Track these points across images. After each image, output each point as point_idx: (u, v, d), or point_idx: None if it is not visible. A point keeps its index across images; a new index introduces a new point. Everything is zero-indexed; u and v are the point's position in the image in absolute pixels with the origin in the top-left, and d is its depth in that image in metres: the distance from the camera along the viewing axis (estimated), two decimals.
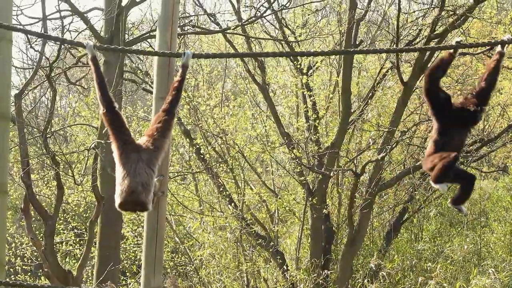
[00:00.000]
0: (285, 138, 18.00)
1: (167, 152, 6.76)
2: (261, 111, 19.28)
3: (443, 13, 17.05)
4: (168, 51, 6.86)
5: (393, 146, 18.36)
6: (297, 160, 17.74)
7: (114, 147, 6.22)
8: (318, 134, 18.19)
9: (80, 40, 7.91)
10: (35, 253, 18.16)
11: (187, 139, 18.51)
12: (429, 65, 16.92)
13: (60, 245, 19.59)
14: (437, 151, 6.77)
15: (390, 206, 20.48)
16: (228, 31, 16.41)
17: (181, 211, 20.01)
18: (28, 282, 14.83)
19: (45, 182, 19.89)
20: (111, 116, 6.28)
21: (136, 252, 19.16)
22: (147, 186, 6.21)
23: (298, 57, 18.04)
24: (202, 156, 18.18)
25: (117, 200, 6.15)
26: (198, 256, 18.70)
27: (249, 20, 16.23)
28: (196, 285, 18.62)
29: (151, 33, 15.75)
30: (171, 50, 7.02)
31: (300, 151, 17.94)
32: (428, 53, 17.08)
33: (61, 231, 20.05)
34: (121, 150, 6.17)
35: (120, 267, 17.19)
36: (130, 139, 6.32)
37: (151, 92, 12.00)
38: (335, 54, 19.40)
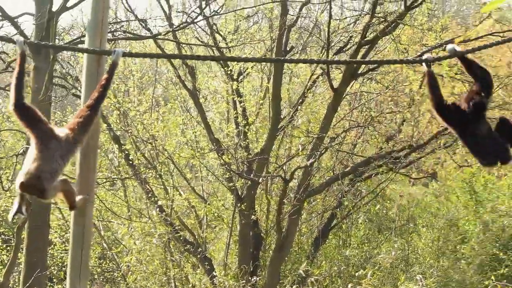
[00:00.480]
0: (214, 144, 18.46)
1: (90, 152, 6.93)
2: (191, 117, 19.70)
3: (374, 20, 17.66)
4: (98, 49, 6.99)
5: (322, 152, 18.92)
6: (226, 166, 18.21)
7: (31, 137, 6.35)
8: (247, 140, 18.69)
9: (10, 47, 8.25)
10: None
11: (117, 145, 18.83)
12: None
13: None
14: (473, 152, 7.19)
15: (319, 212, 20.98)
16: (159, 37, 16.83)
17: (109, 217, 20.29)
18: None
19: None
20: (21, 111, 6.39)
21: (64, 258, 19.30)
22: (54, 176, 6.31)
23: (229, 63, 18.54)
24: (131, 162, 18.55)
25: (20, 178, 6.21)
26: (126, 262, 19.13)
27: (180, 26, 16.67)
28: None
29: (82, 39, 16.10)
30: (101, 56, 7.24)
31: (229, 157, 18.42)
32: (358, 59, 17.44)
33: None
34: (39, 139, 6.29)
35: (47, 273, 17.31)
36: (49, 128, 6.41)
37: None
38: (262, 61, 20.09)
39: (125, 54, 6.99)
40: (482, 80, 6.99)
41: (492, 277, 17.08)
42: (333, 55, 18.86)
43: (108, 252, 19.79)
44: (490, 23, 19.37)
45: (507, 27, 17.93)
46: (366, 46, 17.90)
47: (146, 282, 19.02)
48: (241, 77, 19.26)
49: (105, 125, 18.02)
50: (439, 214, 21.52)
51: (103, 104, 6.89)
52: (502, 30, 17.56)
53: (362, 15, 19.27)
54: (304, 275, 17.98)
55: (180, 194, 19.95)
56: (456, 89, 21.88)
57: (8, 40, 7.57)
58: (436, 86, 7.09)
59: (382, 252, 20.31)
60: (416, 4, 17.62)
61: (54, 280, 20.20)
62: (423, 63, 6.85)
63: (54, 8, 14.55)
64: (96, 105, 6.65)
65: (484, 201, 21.05)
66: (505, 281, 17.51)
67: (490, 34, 18.90)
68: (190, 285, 18.96)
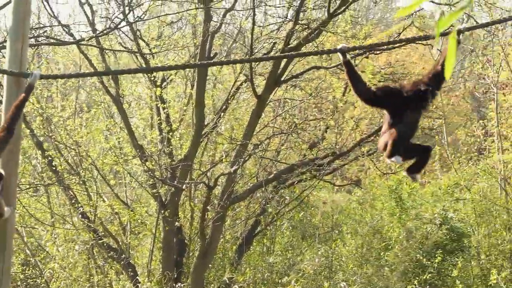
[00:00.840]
0: (138, 150, 18.88)
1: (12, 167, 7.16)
2: (115, 123, 20.06)
3: (297, 27, 18.44)
4: (16, 71, 7.12)
5: (246, 159, 19.61)
6: (149, 172, 18.65)
7: None
8: (171, 147, 19.17)
9: None
10: None
11: (39, 151, 19.05)
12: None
13: None
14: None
15: (243, 219, 21.56)
16: (82, 42, 17.06)
17: (33, 223, 20.47)
18: None
19: None
20: None
21: None
22: None
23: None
24: (54, 168, 18.80)
25: None
26: (49, 269, 19.37)
27: (104, 32, 16.94)
28: None
29: (4, 43, 16.37)
30: (23, 61, 7.29)
31: (153, 163, 18.85)
32: (282, 66, 18.45)
33: None
34: None
35: None
36: None
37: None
38: (186, 67, 20.64)
39: (42, 77, 7.28)
40: (442, 72, 7.19)
41: (415, 283, 17.94)
42: (256, 62, 19.61)
43: (32, 258, 19.96)
44: (414, 31, 20.45)
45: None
46: (290, 53, 18.52)
47: None
48: (165, 83, 19.70)
49: (28, 130, 18.23)
50: (363, 221, 21.96)
51: (24, 111, 7.24)
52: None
53: (286, 22, 19.99)
54: (228, 282, 18.50)
55: (103, 201, 20.27)
56: None
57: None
58: (356, 76, 7.29)
59: (305, 259, 20.83)
60: (339, 11, 18.26)
61: None
62: (339, 53, 6.97)
63: None
64: (10, 126, 6.92)
65: (409, 208, 21.66)
66: (428, 287, 18.64)
67: (412, 41, 20.02)
68: None
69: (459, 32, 6.96)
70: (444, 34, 5.68)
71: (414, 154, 7.58)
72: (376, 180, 23.67)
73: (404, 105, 6.99)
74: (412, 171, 7.67)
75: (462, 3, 3.38)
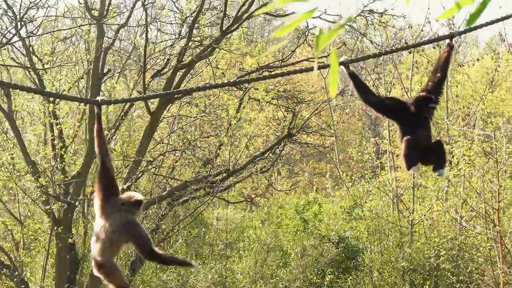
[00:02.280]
0: (30, 166, 20.13)
1: None
2: (7, 138, 21.25)
3: (190, 43, 20.56)
4: None
5: (139, 176, 21.25)
6: (42, 188, 19.99)
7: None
8: (64, 163, 20.50)
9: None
10: None
11: None
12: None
13: None
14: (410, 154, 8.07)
15: None
16: None
17: None
18: None
19: None
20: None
21: None
22: None
23: (45, 85, 20.31)
24: None
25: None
26: None
27: None
28: None
29: None
30: None
31: (46, 179, 20.23)
32: (174, 84, 20.41)
33: None
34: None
35: None
36: None
37: None
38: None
39: None
40: (440, 80, 8.11)
41: None
42: (150, 78, 21.56)
43: None
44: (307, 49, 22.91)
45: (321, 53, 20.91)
46: (183, 70, 20.67)
47: None
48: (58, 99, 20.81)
49: None
50: (260, 239, 23.48)
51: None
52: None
53: (179, 38, 21.89)
54: None
55: None
56: (275, 113, 25.13)
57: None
58: (363, 87, 8.03)
59: (199, 276, 22.25)
60: (232, 29, 20.73)
61: None
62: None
63: None
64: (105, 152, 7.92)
65: (312, 227, 23.54)
66: None
67: (306, 60, 22.46)
68: None
69: (342, 63, 7.68)
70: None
71: (431, 155, 8.34)
72: (279, 198, 25.90)
73: (411, 117, 7.91)
74: (437, 168, 8.38)
75: (341, 21, 3.76)
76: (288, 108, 24.22)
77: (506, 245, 18.27)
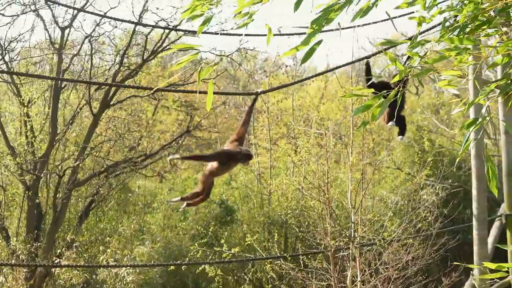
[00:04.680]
0: (10, 150, 21.34)
1: None
2: None
3: (122, 68, 22.07)
4: None
5: (85, 157, 22.44)
6: (18, 165, 21.15)
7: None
8: (33, 148, 21.57)
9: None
10: None
11: None
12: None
13: None
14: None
15: (83, 197, 23.66)
16: None
17: None
18: None
19: None
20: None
21: None
22: None
23: (22, 94, 21.70)
24: None
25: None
26: None
27: None
28: None
29: None
30: None
31: (21, 159, 21.25)
32: (110, 95, 22.07)
33: None
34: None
35: None
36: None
37: None
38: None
39: None
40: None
41: (196, 244, 20.61)
42: (94, 91, 22.81)
43: None
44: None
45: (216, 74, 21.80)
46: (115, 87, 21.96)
47: None
48: (30, 104, 22.00)
49: None
50: (164, 200, 24.28)
51: None
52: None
53: (114, 64, 22.95)
54: (70, 241, 20.54)
55: None
56: (180, 116, 26.65)
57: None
58: (369, 75, 8.05)
59: (125, 226, 23.32)
60: (150, 58, 22.39)
61: None
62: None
63: None
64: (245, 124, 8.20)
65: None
66: (205, 247, 20.83)
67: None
68: None
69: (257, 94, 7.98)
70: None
71: (400, 122, 8.63)
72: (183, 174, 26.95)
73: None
74: (400, 135, 8.83)
75: (217, 59, 4.44)
76: (187, 113, 25.56)
77: (332, 207, 18.18)
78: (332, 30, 5.72)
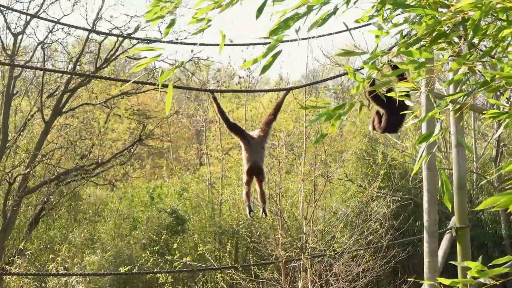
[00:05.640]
0: None
1: None
2: None
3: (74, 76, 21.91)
4: None
5: (36, 164, 22.34)
6: None
7: (241, 142, 8.39)
8: None
9: None
10: None
11: None
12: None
13: None
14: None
15: (33, 205, 23.36)
16: None
17: None
18: None
19: None
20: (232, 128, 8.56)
21: None
22: (263, 160, 8.39)
23: None
24: None
25: (245, 167, 8.34)
26: None
27: None
28: None
29: None
30: None
31: None
32: (63, 103, 21.92)
33: None
34: (246, 141, 8.32)
35: None
36: (248, 133, 8.42)
37: None
38: None
39: None
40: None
41: (148, 252, 20.86)
42: (46, 98, 22.66)
43: None
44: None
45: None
46: (69, 93, 22.16)
47: None
48: None
49: None
50: (117, 209, 24.44)
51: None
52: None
53: (67, 71, 22.75)
54: (21, 249, 20.48)
55: None
56: (132, 124, 26.64)
57: None
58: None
59: (74, 234, 23.10)
60: (103, 66, 22.35)
61: None
62: None
63: None
64: (275, 113, 8.51)
65: (154, 203, 24.76)
66: (157, 254, 21.10)
67: (153, 89, 23.93)
68: None
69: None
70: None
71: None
72: (134, 182, 27.16)
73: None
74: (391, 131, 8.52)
75: (177, 64, 4.46)
76: (139, 121, 25.55)
77: (284, 218, 18.23)
78: (288, 41, 5.65)
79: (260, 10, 4.51)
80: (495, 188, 23.07)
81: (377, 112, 7.97)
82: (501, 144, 23.63)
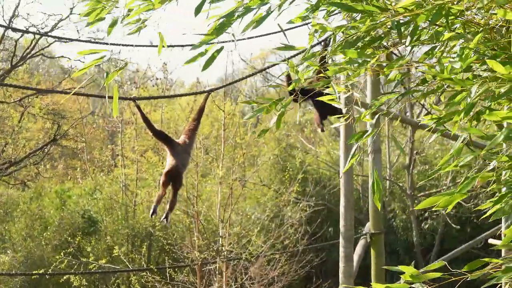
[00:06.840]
0: None
1: None
2: None
3: None
4: None
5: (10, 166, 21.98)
6: None
7: (166, 148, 8.41)
8: None
9: None
10: None
11: None
12: None
13: None
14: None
15: None
16: None
17: None
18: None
19: None
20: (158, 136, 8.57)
21: None
22: (185, 165, 8.51)
23: None
24: None
25: (165, 170, 8.24)
26: None
27: None
28: None
29: None
30: None
31: None
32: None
33: None
34: (171, 147, 8.28)
35: None
36: (173, 140, 8.37)
37: None
38: None
39: None
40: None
41: (62, 253, 20.23)
42: None
43: None
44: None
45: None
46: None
47: None
48: None
49: None
50: (29, 209, 23.74)
51: None
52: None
53: None
54: None
55: None
56: (47, 124, 25.94)
57: None
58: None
59: None
60: (19, 64, 22.13)
61: None
62: None
63: None
64: (198, 118, 8.58)
65: (65, 204, 24.21)
66: (71, 256, 20.48)
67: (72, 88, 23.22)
68: None
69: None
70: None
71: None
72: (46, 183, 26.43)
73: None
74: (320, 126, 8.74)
75: (121, 64, 5.52)
76: (54, 121, 25.01)
77: (200, 220, 18.27)
78: (226, 41, 5.55)
79: (198, 9, 4.48)
80: (407, 196, 23.40)
81: (316, 113, 8.24)
82: (414, 152, 23.99)
